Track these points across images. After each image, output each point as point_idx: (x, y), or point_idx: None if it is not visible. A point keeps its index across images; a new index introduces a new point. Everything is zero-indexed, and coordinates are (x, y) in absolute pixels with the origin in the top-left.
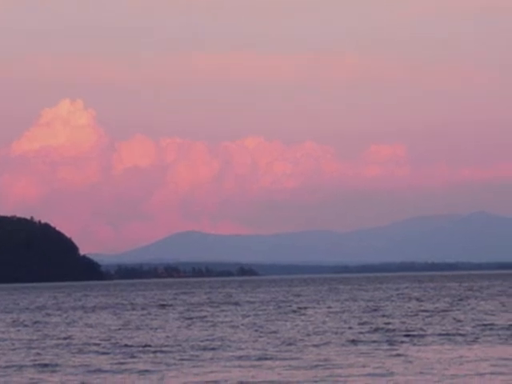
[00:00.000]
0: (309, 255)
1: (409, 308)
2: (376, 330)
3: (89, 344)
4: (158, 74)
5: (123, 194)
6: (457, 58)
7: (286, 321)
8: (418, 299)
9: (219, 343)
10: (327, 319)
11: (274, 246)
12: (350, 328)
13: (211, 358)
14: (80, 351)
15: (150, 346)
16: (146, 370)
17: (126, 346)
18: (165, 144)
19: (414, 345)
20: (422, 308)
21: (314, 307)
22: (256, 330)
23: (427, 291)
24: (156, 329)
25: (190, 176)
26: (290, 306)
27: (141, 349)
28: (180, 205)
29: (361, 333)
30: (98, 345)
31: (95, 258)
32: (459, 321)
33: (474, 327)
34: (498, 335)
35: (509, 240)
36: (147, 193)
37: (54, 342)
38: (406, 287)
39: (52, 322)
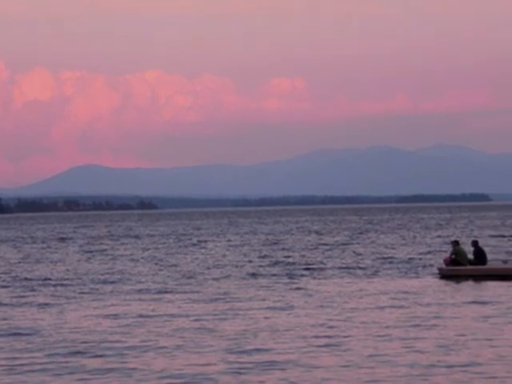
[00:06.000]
0: (209, 188)
1: (309, 241)
2: (276, 263)
3: None
4: (57, 6)
5: (23, 128)
6: None
7: (186, 254)
8: (317, 232)
9: (119, 276)
10: (227, 253)
11: (173, 180)
12: (250, 261)
13: (111, 292)
14: None
15: (49, 279)
16: (46, 304)
17: (25, 279)
18: (64, 77)
19: (314, 278)
20: (322, 241)
21: (214, 240)
22: (156, 264)
23: (327, 224)
24: (56, 262)
25: (90, 109)
26: (189, 240)
27: (41, 282)
28: (80, 138)
29: (261, 266)
30: None
31: None
32: (359, 254)
33: (373, 260)
34: (398, 268)
35: (408, 173)
36: (47, 126)
37: None
38: (306, 220)
39: None
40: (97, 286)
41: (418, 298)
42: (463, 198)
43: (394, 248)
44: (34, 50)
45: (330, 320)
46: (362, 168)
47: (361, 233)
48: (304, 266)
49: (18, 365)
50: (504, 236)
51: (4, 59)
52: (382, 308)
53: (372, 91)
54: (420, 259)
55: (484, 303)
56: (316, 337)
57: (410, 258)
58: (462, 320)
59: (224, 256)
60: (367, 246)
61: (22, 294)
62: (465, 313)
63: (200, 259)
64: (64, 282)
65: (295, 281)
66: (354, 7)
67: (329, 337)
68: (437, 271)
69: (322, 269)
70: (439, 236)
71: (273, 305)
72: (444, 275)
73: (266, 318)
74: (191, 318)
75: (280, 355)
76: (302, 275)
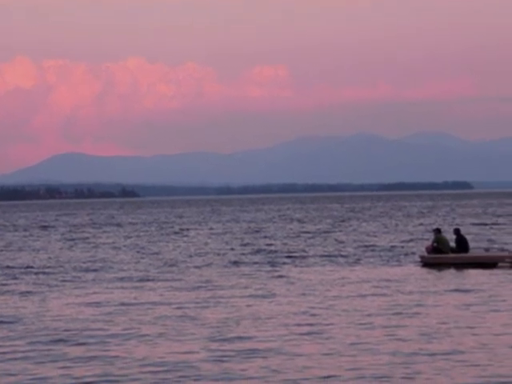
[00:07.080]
0: (191, 176)
1: (291, 229)
2: (258, 251)
3: None
4: None
5: (5, 116)
6: None
7: (168, 242)
8: (299, 220)
9: (101, 265)
10: (209, 240)
11: (156, 168)
12: (232, 249)
13: (93, 280)
14: None
15: (32, 267)
16: (28, 292)
17: (8, 267)
18: (46, 66)
19: (296, 266)
20: (304, 229)
21: (196, 228)
22: (138, 252)
23: (309, 212)
24: (38, 250)
25: (72, 97)
26: (171, 228)
27: (23, 270)
28: (62, 126)
29: (243, 254)
30: None
31: None
32: (341, 242)
33: (355, 248)
34: (380, 256)
35: (390, 161)
36: (30, 114)
37: None
38: (288, 209)
39: None
40: (79, 274)
41: (400, 286)
42: (445, 185)
43: (375, 236)
44: (16, 39)
45: (312, 308)
46: (344, 156)
47: (343, 221)
48: (286, 254)
49: None
50: (486, 224)
51: None
52: (364, 296)
53: (354, 79)
54: (402, 247)
55: (466, 291)
56: (298, 325)
57: (392, 246)
58: (444, 308)
59: (206, 244)
60: (349, 233)
61: (4, 282)
62: (447, 301)
63: (182, 247)
64: (46, 270)
65: (277, 269)
66: None
67: (311, 325)
68: (419, 259)
69: (303, 257)
70: (421, 224)
71: (255, 293)
72: (426, 263)
73: (248, 305)
74: (173, 306)
75: (262, 343)
76: (284, 263)
